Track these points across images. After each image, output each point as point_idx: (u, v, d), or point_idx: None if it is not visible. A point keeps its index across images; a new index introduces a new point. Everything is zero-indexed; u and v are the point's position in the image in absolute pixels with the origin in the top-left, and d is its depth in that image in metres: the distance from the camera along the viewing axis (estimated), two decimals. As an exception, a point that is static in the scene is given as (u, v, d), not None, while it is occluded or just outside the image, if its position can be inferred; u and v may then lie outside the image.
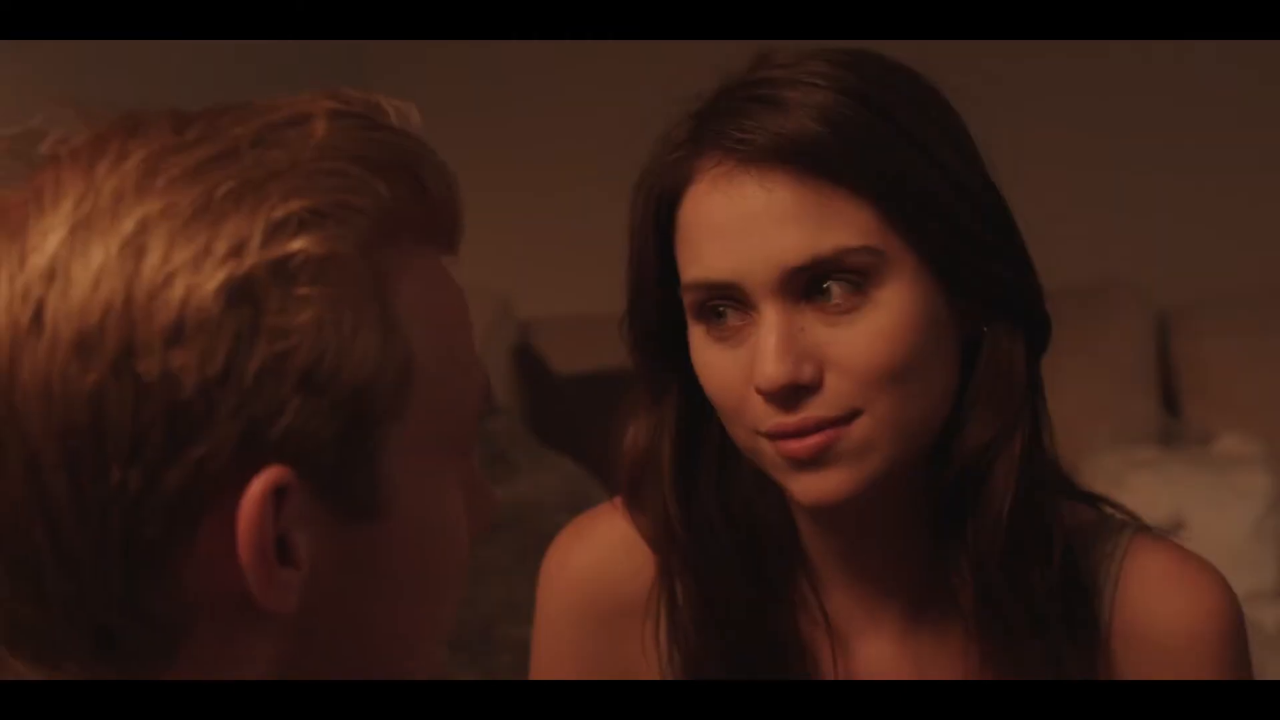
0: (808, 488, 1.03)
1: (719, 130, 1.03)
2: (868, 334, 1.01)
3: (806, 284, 1.02)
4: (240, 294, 0.66)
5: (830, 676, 1.13)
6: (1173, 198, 3.23)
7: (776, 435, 1.03)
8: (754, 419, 1.03)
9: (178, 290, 0.66)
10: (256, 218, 0.67)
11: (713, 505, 1.12)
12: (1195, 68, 3.18)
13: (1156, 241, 3.23)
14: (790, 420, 1.02)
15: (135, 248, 0.66)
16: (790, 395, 1.01)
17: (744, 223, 1.02)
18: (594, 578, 1.17)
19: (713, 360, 1.05)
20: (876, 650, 1.13)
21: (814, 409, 1.02)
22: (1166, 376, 3.17)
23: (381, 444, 0.70)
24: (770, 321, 1.01)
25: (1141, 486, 2.77)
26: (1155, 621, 1.09)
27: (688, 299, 1.06)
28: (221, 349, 0.66)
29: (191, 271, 0.66)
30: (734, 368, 1.04)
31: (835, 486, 1.03)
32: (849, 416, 1.02)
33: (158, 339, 0.66)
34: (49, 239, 0.67)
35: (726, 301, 1.03)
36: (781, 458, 1.03)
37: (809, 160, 1.01)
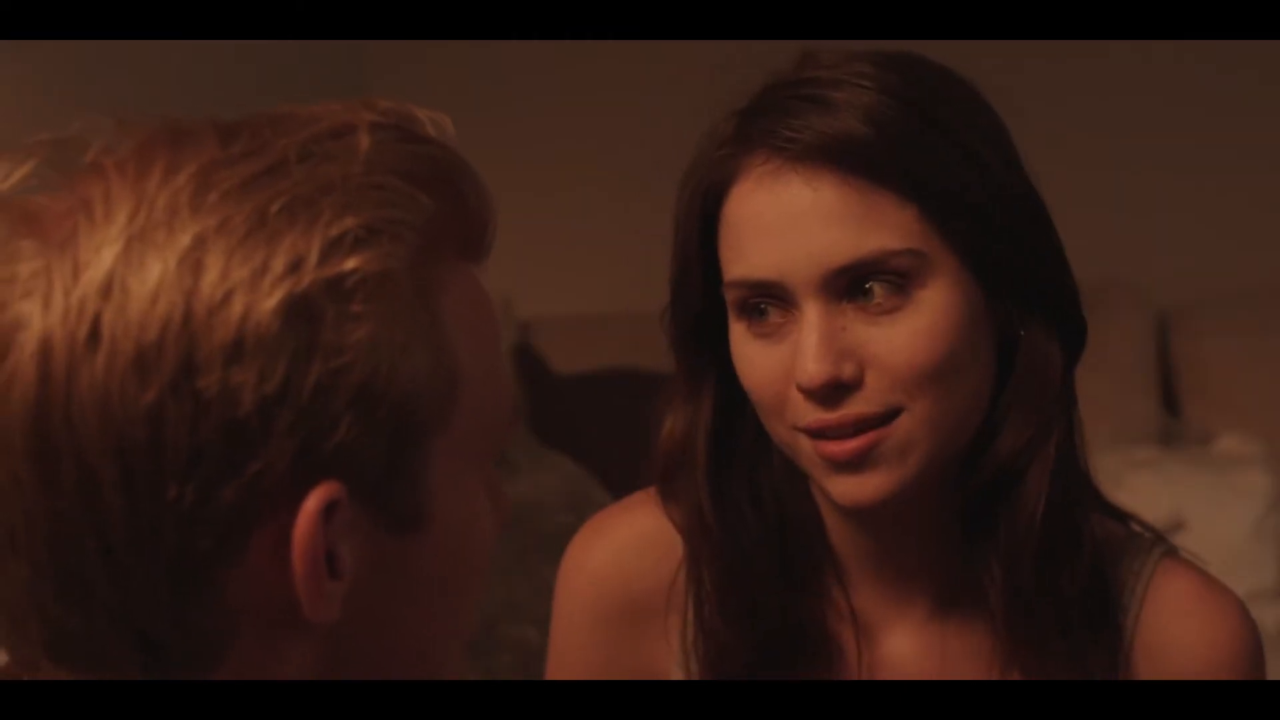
0: (846, 490, 1.04)
1: (766, 128, 1.04)
2: (909, 333, 1.02)
3: (849, 284, 1.02)
4: (298, 311, 0.67)
5: (854, 670, 1.13)
6: (1173, 197, 3.23)
7: (817, 433, 1.04)
8: (794, 415, 1.04)
9: (236, 307, 0.66)
10: (312, 235, 0.68)
11: (744, 498, 1.13)
12: (1195, 68, 3.18)
13: (1156, 241, 3.23)
14: (831, 416, 1.03)
15: (192, 263, 0.67)
16: (831, 393, 1.02)
17: (789, 221, 1.03)
18: (612, 575, 1.17)
19: (754, 356, 1.06)
20: (901, 645, 1.14)
21: (855, 406, 1.03)
22: (1166, 376, 3.17)
23: (426, 455, 0.71)
24: (812, 320, 1.02)
25: (1141, 486, 2.77)
26: (1177, 646, 1.11)
27: (730, 296, 1.07)
28: (280, 366, 0.66)
29: (250, 289, 0.66)
30: (775, 364, 1.05)
31: (874, 489, 1.04)
32: (890, 415, 1.03)
33: (217, 356, 0.66)
34: (104, 253, 0.67)
35: (769, 299, 1.04)
36: (821, 458, 1.04)
37: (855, 160, 1.02)
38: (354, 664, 0.72)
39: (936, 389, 1.02)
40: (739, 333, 1.07)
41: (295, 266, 0.67)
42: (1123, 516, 1.16)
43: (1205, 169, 3.22)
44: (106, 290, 0.66)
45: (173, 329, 0.66)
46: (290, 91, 3.06)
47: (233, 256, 0.67)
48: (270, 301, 0.66)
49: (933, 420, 1.03)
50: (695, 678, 1.15)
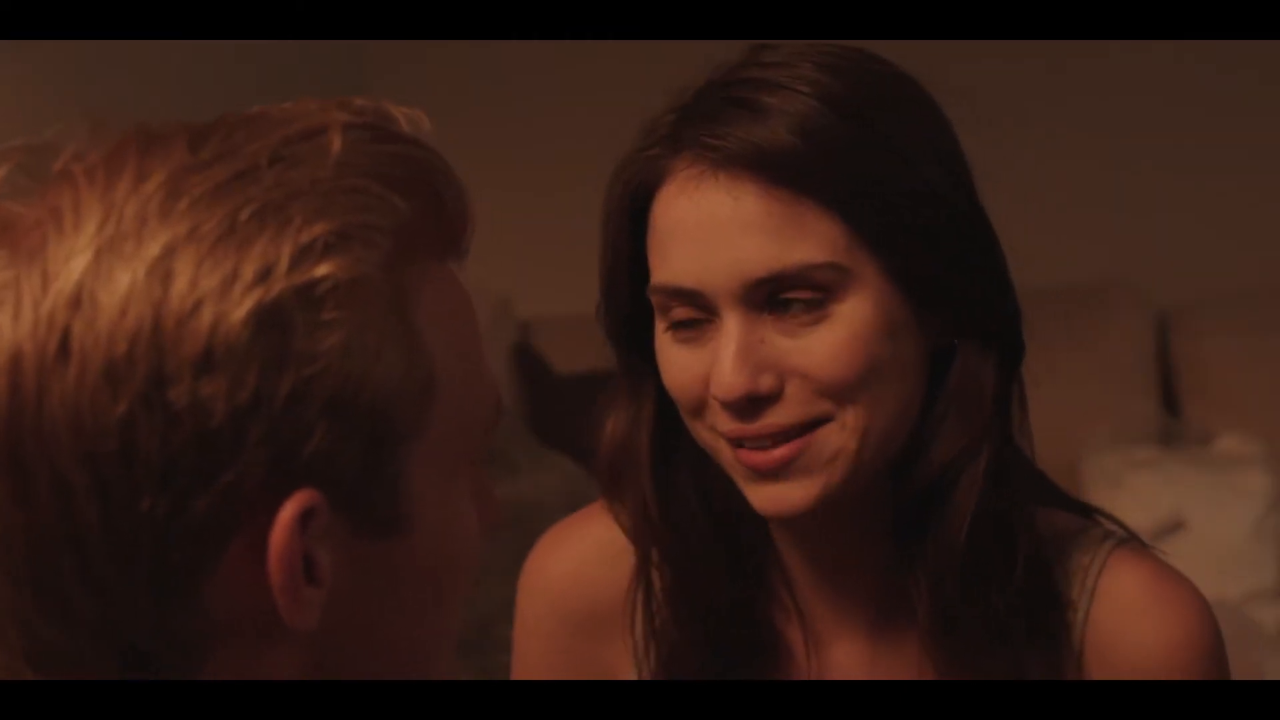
0: (767, 499, 1.03)
1: (693, 132, 1.02)
2: (827, 344, 1.00)
3: (768, 295, 1.01)
4: (268, 320, 0.66)
5: (804, 672, 1.12)
6: (1173, 197, 3.23)
7: (736, 442, 1.02)
8: (714, 421, 1.03)
9: (206, 317, 0.65)
10: (282, 241, 0.67)
11: (691, 497, 1.11)
12: (1195, 68, 3.18)
13: (1156, 241, 3.23)
14: (750, 428, 1.01)
15: (162, 273, 0.66)
16: (748, 405, 1.01)
17: (710, 230, 1.01)
18: (571, 585, 1.16)
19: (675, 359, 1.05)
20: (849, 648, 1.12)
21: (773, 417, 1.01)
22: (1166, 376, 3.17)
23: (403, 460, 0.70)
24: (730, 331, 1.01)
25: (1141, 486, 2.77)
26: (1130, 641, 1.08)
27: (654, 300, 1.05)
28: (251, 376, 0.66)
29: (219, 298, 0.66)
30: (696, 369, 1.03)
31: (797, 499, 1.02)
32: (814, 424, 1.01)
33: (187, 367, 0.65)
34: (72, 264, 0.66)
35: (690, 307, 1.03)
36: (742, 466, 1.03)
37: (779, 171, 1.00)
38: (339, 668, 0.72)
39: (860, 398, 1.01)
40: (662, 336, 1.05)
41: (265, 274, 0.66)
42: (1083, 509, 1.14)
43: (1205, 169, 3.22)
44: (75, 302, 0.66)
45: (142, 340, 0.65)
46: (290, 91, 3.06)
47: (201, 265, 0.66)
48: (240, 311, 0.66)
49: (859, 429, 1.01)
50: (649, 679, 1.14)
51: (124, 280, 0.66)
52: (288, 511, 0.67)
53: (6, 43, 2.25)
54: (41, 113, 2.59)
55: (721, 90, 1.04)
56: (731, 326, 1.01)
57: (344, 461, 0.68)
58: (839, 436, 1.01)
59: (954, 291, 1.03)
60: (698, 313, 1.03)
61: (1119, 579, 1.09)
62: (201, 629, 0.68)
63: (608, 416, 1.13)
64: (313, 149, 0.70)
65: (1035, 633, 1.07)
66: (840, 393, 1.01)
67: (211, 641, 0.69)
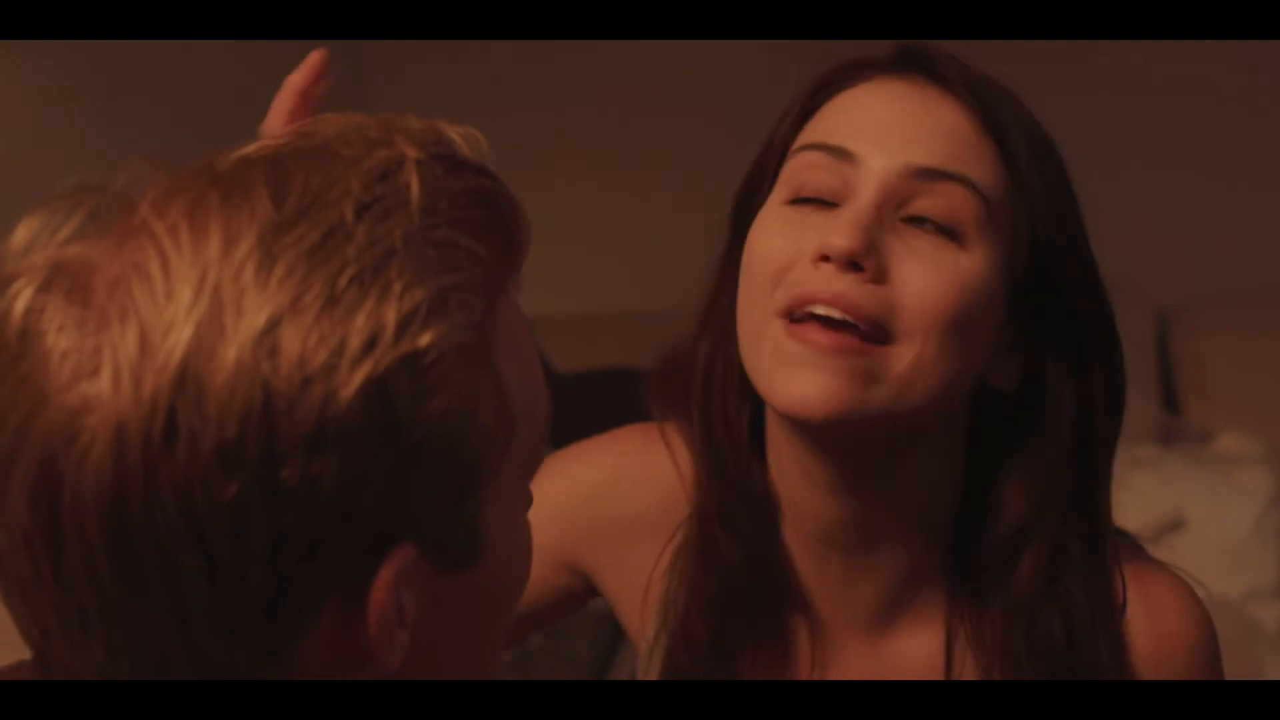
0: (794, 384, 0.98)
1: (915, 58, 1.05)
2: (934, 272, 0.99)
3: (911, 202, 1.00)
4: (376, 394, 0.66)
5: (807, 668, 1.12)
6: (1173, 195, 3.23)
7: (796, 307, 0.99)
8: (788, 290, 0.99)
9: (316, 394, 0.65)
10: (385, 309, 0.66)
11: (730, 425, 1.10)
12: (1196, 66, 3.18)
13: (1156, 239, 3.23)
14: (829, 289, 0.97)
15: (268, 349, 0.65)
16: (846, 269, 0.98)
17: (893, 118, 1.02)
18: (597, 493, 1.16)
19: (774, 224, 1.03)
20: (855, 649, 1.12)
21: (856, 290, 0.98)
22: (1166, 374, 3.17)
23: (483, 499, 0.71)
24: (867, 196, 0.99)
25: (1142, 485, 2.77)
26: (1128, 648, 1.09)
27: (790, 166, 1.04)
28: (361, 451, 0.65)
29: (328, 374, 0.65)
30: (794, 235, 1.01)
31: (819, 393, 0.97)
32: (876, 335, 0.99)
33: (300, 447, 0.65)
34: (172, 338, 0.64)
35: (827, 179, 1.01)
36: (789, 341, 0.99)
37: (983, 106, 1.02)
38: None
39: (936, 338, 0.99)
40: (770, 205, 1.04)
41: (371, 345, 0.66)
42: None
43: (1205, 167, 3.22)
44: (180, 383, 0.64)
45: (252, 421, 0.64)
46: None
47: (308, 339, 0.65)
48: (349, 388, 0.65)
49: (918, 369, 0.99)
50: (660, 651, 1.14)
51: (230, 358, 0.64)
52: (389, 570, 0.67)
53: (6, 43, 2.25)
54: (42, 113, 2.60)
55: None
56: (868, 198, 0.99)
57: (435, 513, 0.69)
58: (895, 363, 0.99)
59: (1059, 313, 1.07)
60: (831, 188, 1.01)
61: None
62: (291, 676, 0.69)
63: (673, 335, 1.12)
64: (394, 194, 0.69)
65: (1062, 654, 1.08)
66: (926, 321, 0.99)
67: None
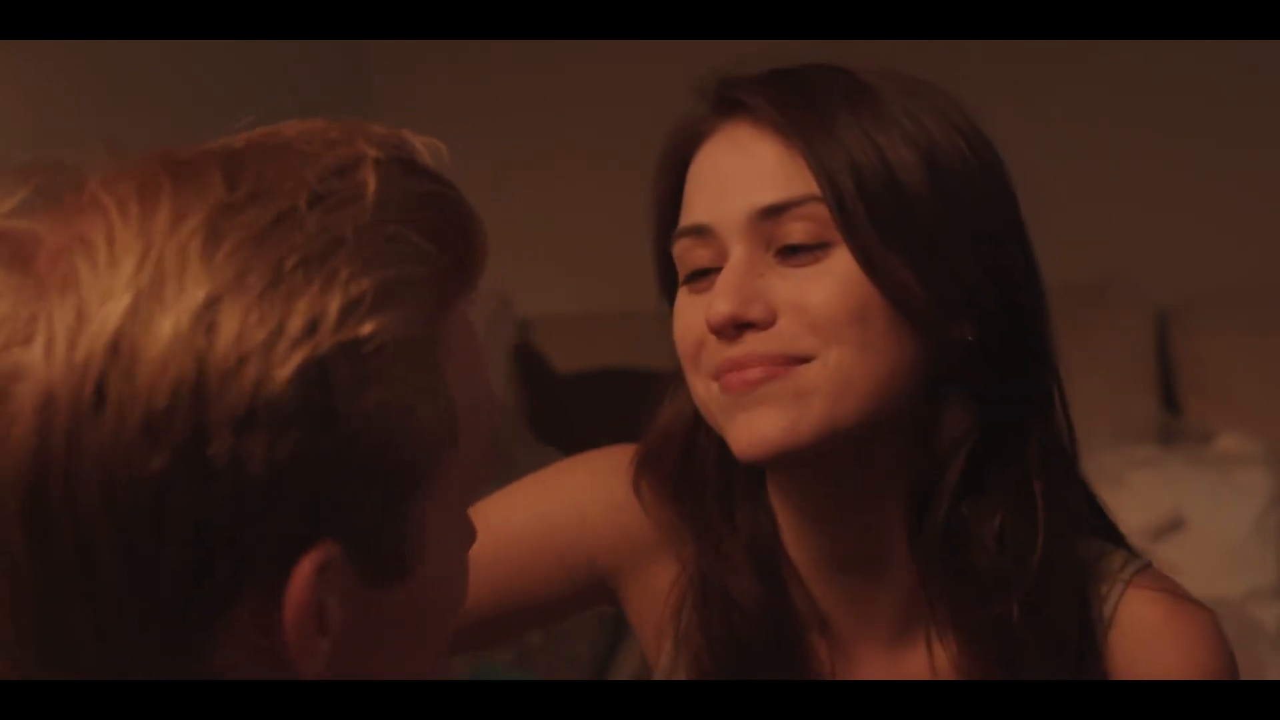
0: (739, 431, 1.03)
1: (728, 93, 1.08)
2: (822, 281, 1.02)
3: (774, 235, 1.04)
4: (313, 378, 0.65)
5: (828, 678, 1.12)
6: (1173, 195, 3.23)
7: (719, 373, 1.04)
8: (708, 362, 1.05)
9: (251, 373, 0.64)
10: (329, 295, 0.65)
11: (715, 505, 1.12)
12: (1197, 66, 3.18)
13: (1156, 239, 3.23)
14: (735, 352, 1.03)
15: (206, 323, 0.64)
16: (735, 331, 1.03)
17: (727, 173, 1.06)
18: (629, 504, 1.16)
19: (683, 308, 1.08)
20: (872, 656, 1.12)
21: (758, 344, 1.03)
22: (1166, 374, 3.17)
23: (415, 508, 0.70)
24: (732, 262, 1.04)
25: (1141, 485, 2.77)
26: (1146, 671, 1.08)
27: (676, 254, 1.09)
28: (291, 434, 0.64)
29: (265, 353, 0.64)
30: (695, 312, 1.06)
31: (766, 428, 1.02)
32: (797, 359, 1.02)
33: (229, 424, 0.63)
34: (109, 306, 0.64)
35: (704, 249, 1.06)
36: (724, 397, 1.04)
37: (793, 130, 1.04)
38: None
39: (846, 342, 1.02)
40: (681, 294, 1.09)
41: (312, 329, 0.65)
42: (1105, 531, 1.14)
43: (1205, 166, 3.22)
44: (113, 349, 0.63)
45: (184, 394, 0.63)
46: (290, 92, 3.06)
47: (247, 317, 0.64)
48: (285, 369, 0.64)
49: (840, 373, 1.02)
50: (682, 666, 1.14)
51: (166, 329, 0.63)
52: (308, 565, 0.66)
53: (6, 43, 2.25)
54: (42, 112, 2.59)
55: (775, 70, 1.09)
56: (735, 257, 1.04)
57: (363, 513, 0.67)
58: (818, 374, 1.02)
59: (950, 280, 1.04)
60: (712, 259, 1.06)
61: (1138, 611, 1.09)
62: (204, 674, 0.67)
63: (663, 407, 1.15)
64: (349, 189, 0.69)
65: (1054, 659, 1.07)
66: (830, 331, 1.02)
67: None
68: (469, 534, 0.77)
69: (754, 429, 1.02)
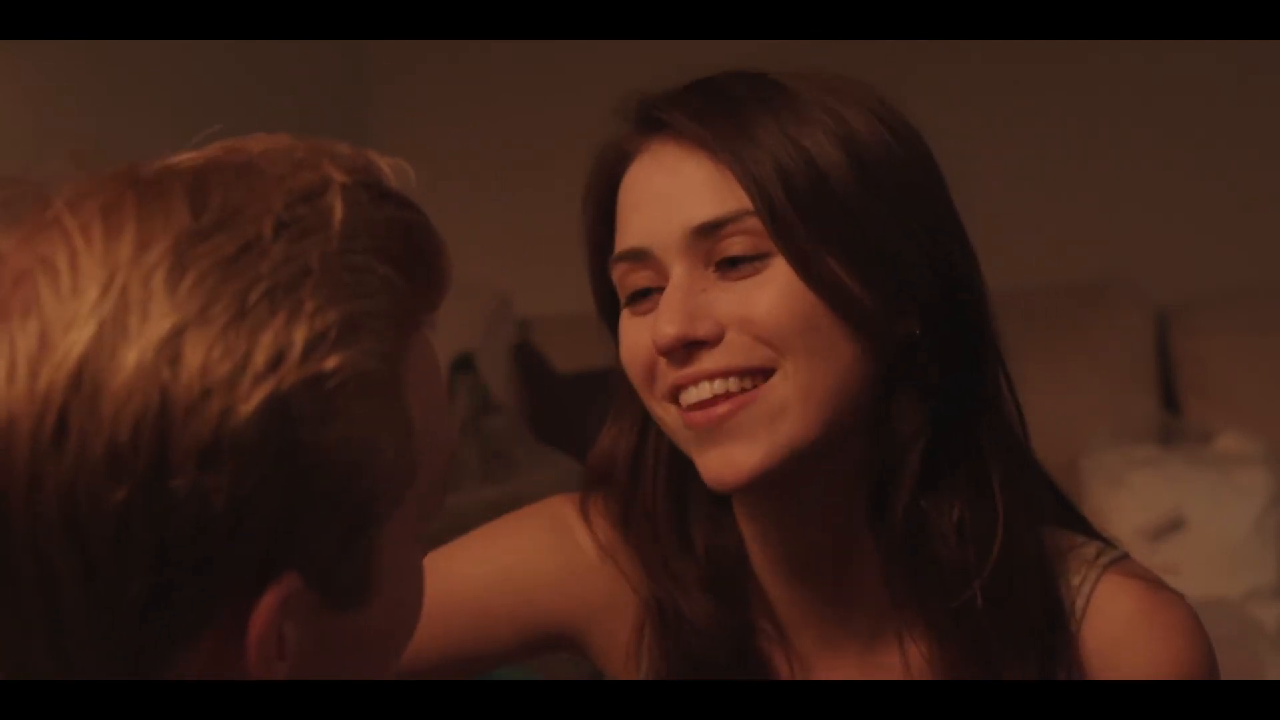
0: (713, 463, 1.03)
1: (648, 113, 1.09)
2: (766, 293, 1.02)
3: (713, 251, 1.03)
4: (277, 412, 0.64)
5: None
6: (1173, 195, 3.23)
7: (676, 396, 1.03)
8: (660, 384, 1.04)
9: (214, 407, 0.63)
10: (293, 328, 0.65)
11: (666, 525, 1.11)
12: (1196, 66, 3.18)
13: (1156, 239, 3.23)
14: (687, 372, 1.02)
15: (169, 355, 0.63)
16: (684, 351, 1.02)
17: (659, 195, 1.06)
18: (594, 568, 1.15)
19: (628, 331, 1.07)
20: (835, 670, 1.11)
21: (710, 362, 1.02)
22: (1166, 374, 3.17)
23: (375, 537, 0.69)
24: (674, 281, 1.04)
25: (1141, 484, 2.77)
26: (1122, 662, 1.07)
27: (615, 277, 1.08)
28: (255, 469, 0.64)
29: (229, 388, 0.63)
30: (641, 332, 1.05)
31: (740, 461, 1.02)
32: (756, 375, 1.02)
33: (192, 458, 0.63)
34: (72, 335, 0.63)
35: (643, 272, 1.06)
36: (688, 429, 1.03)
37: (718, 146, 1.04)
38: None
39: (800, 350, 1.01)
40: (624, 317, 1.08)
41: (276, 363, 0.64)
42: (1084, 526, 1.13)
43: (1205, 166, 3.22)
44: (76, 381, 0.63)
45: (146, 428, 0.63)
46: (290, 91, 3.06)
47: (211, 350, 0.63)
48: (249, 404, 0.63)
49: (802, 384, 1.01)
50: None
51: (130, 361, 0.63)
52: (272, 598, 0.66)
53: (6, 43, 2.25)
54: (42, 112, 2.60)
55: (694, 82, 1.09)
56: (676, 277, 1.04)
57: (324, 544, 0.67)
58: (782, 389, 1.02)
59: (890, 276, 1.03)
60: (651, 279, 1.05)
61: (1111, 601, 1.08)
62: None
63: (604, 428, 1.15)
64: (315, 216, 0.68)
65: (1022, 655, 1.06)
66: (779, 341, 1.02)
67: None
68: (424, 548, 0.76)
69: (727, 462, 1.02)
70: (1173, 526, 2.72)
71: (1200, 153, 3.22)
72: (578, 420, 3.08)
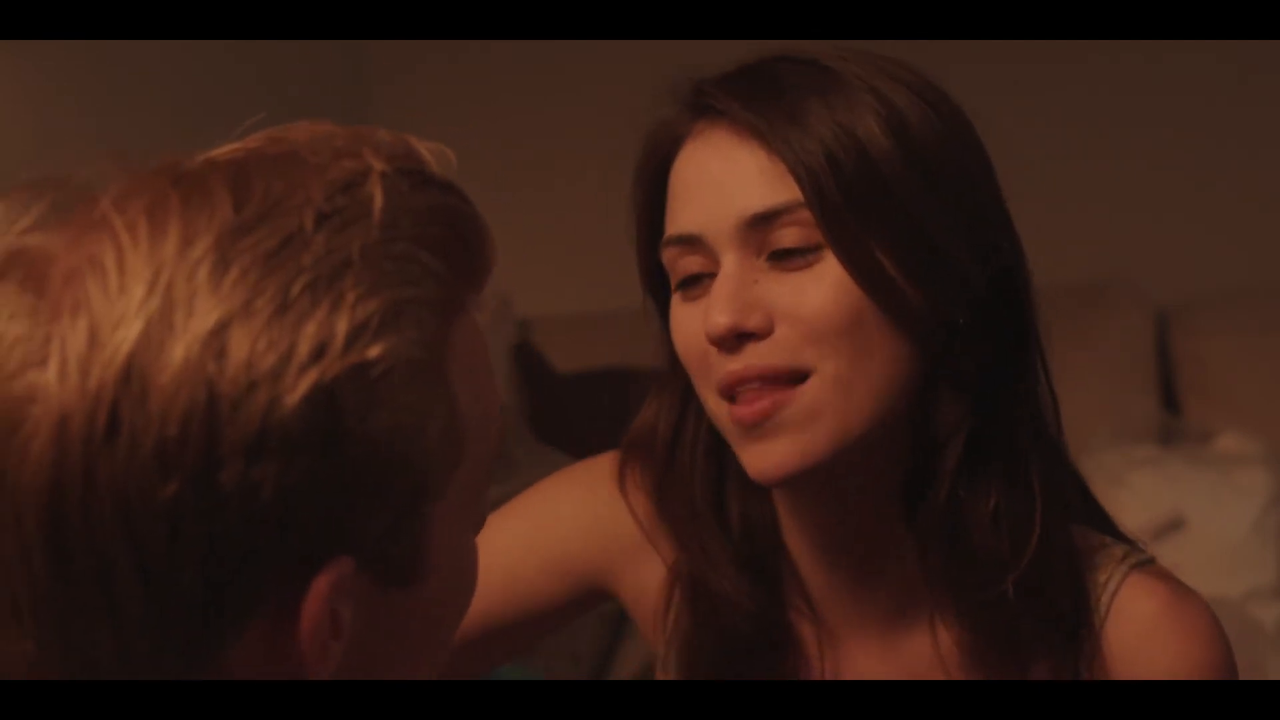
0: (753, 459, 1.04)
1: (707, 98, 1.07)
2: (817, 288, 1.02)
3: (766, 241, 1.03)
4: (322, 402, 0.65)
5: (817, 670, 1.12)
6: (1173, 195, 3.23)
7: (726, 392, 1.04)
8: (714, 370, 1.05)
9: (261, 399, 0.64)
10: (336, 318, 0.66)
11: (703, 499, 1.13)
12: (1196, 66, 3.18)
13: (1157, 239, 3.23)
14: (737, 366, 1.03)
15: (215, 350, 0.64)
16: (735, 343, 1.03)
17: (714, 181, 1.06)
18: (619, 515, 1.17)
19: (681, 319, 1.07)
20: (863, 646, 1.12)
21: (757, 356, 1.03)
22: (1166, 374, 3.17)
23: (427, 517, 0.71)
24: (726, 270, 1.04)
25: (1141, 484, 2.77)
26: (1143, 662, 1.08)
27: (666, 261, 1.08)
28: (302, 459, 0.65)
29: (274, 379, 0.65)
30: (694, 321, 1.05)
31: (780, 457, 1.03)
32: (796, 376, 1.02)
33: (240, 450, 0.64)
34: (121, 332, 0.64)
35: (695, 257, 1.06)
36: (733, 424, 1.04)
37: (773, 138, 1.04)
38: None
39: (844, 351, 1.02)
40: (674, 301, 1.08)
41: (320, 353, 0.65)
42: (1112, 529, 1.14)
43: (1206, 166, 3.22)
44: (125, 377, 0.64)
45: (195, 422, 0.64)
46: (290, 91, 3.06)
47: (256, 343, 0.65)
48: (295, 395, 0.65)
49: (842, 385, 1.02)
50: (672, 663, 1.15)
51: (177, 356, 0.64)
52: (324, 581, 0.67)
53: (6, 43, 2.25)
54: (42, 112, 2.59)
55: (744, 67, 1.09)
56: (728, 266, 1.04)
57: (375, 528, 0.68)
58: (821, 391, 1.02)
59: (940, 269, 1.04)
60: (703, 265, 1.05)
61: (1135, 600, 1.09)
62: (220, 679, 0.68)
63: (647, 399, 1.16)
64: (356, 205, 0.69)
65: (1049, 647, 1.07)
66: (825, 339, 1.02)
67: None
68: (478, 523, 0.77)
69: (768, 458, 1.03)
70: (1173, 526, 2.72)
71: (1200, 153, 3.22)
72: (578, 420, 3.08)
